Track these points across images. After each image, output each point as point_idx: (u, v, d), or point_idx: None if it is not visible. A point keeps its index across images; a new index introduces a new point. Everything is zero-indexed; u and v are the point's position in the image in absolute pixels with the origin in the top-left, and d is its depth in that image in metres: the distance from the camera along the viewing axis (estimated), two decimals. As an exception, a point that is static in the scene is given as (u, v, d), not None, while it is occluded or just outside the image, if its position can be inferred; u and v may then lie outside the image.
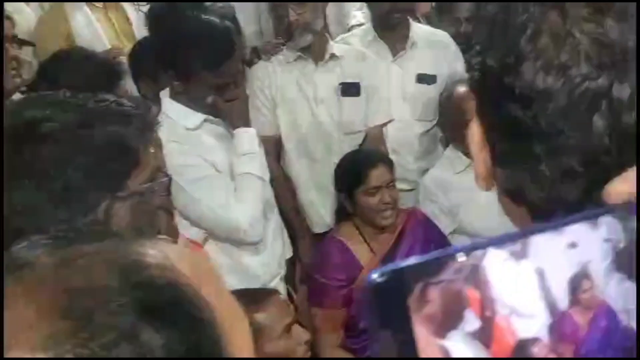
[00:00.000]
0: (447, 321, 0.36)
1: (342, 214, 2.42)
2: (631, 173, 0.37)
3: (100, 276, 0.47)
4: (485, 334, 0.37)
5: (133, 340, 0.44)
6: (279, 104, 2.61)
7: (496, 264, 0.37)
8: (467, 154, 2.59)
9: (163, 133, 1.83)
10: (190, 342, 0.46)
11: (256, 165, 2.05)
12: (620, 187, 0.36)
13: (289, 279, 2.33)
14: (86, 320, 0.43)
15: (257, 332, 1.71)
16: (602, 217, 0.36)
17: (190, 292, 0.48)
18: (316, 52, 2.62)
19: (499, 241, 0.37)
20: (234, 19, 2.03)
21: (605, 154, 0.54)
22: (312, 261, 2.42)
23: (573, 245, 0.37)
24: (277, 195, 2.31)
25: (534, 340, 0.37)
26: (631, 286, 0.37)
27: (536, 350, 0.37)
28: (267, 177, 2.13)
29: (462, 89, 2.64)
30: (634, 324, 0.36)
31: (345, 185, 2.35)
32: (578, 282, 0.37)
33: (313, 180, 2.63)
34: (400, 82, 2.78)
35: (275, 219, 2.21)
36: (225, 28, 1.95)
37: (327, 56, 2.62)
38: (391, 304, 0.35)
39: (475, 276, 0.37)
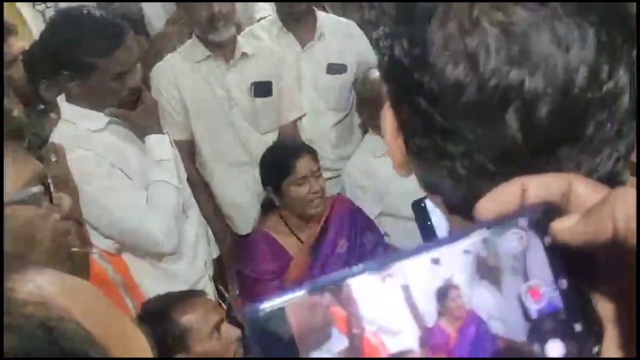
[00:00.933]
0: (314, 341, 0.36)
1: (266, 207, 2.39)
2: (499, 191, 0.37)
3: None
4: (354, 352, 0.37)
5: None
6: (189, 106, 2.53)
7: (360, 282, 0.37)
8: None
9: (65, 139, 1.80)
10: None
11: (169, 172, 1.98)
12: (489, 205, 0.37)
13: (219, 278, 2.29)
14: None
15: (186, 334, 1.68)
16: (464, 236, 0.38)
17: (71, 329, 0.43)
18: (227, 50, 2.54)
19: (365, 269, 0.37)
20: (139, 20, 1.99)
21: (519, 152, 0.53)
22: (240, 256, 2.37)
23: (436, 261, 0.38)
24: (197, 198, 2.26)
25: (406, 353, 0.37)
26: (496, 294, 0.38)
27: None
28: (183, 182, 2.08)
29: (375, 73, 2.66)
30: (501, 330, 0.37)
31: (271, 178, 2.32)
32: (445, 292, 0.38)
33: (236, 184, 2.57)
34: (311, 73, 2.77)
35: (196, 219, 2.16)
36: (113, 19, 1.93)
37: (237, 55, 2.55)
38: (275, 335, 0.36)
39: (339, 294, 0.37)
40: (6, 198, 1.01)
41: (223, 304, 2.28)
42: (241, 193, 2.57)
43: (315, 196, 2.27)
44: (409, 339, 0.37)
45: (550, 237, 0.36)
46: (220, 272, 2.37)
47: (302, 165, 2.28)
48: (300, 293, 0.36)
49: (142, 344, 0.51)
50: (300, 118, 2.68)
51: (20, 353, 0.40)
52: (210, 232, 2.30)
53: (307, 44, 2.78)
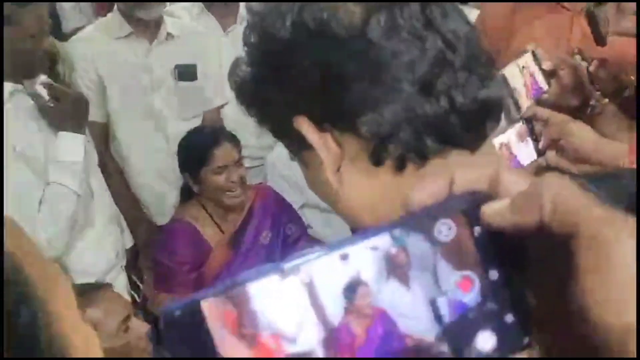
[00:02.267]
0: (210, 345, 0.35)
1: (186, 194, 2.27)
2: (428, 182, 0.36)
3: None
4: (247, 355, 0.35)
5: None
6: (107, 87, 2.35)
7: (257, 281, 0.36)
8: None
9: None
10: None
11: (72, 176, 1.81)
12: (418, 196, 0.36)
13: (133, 268, 2.16)
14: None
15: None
16: (379, 232, 0.37)
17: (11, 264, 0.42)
18: (151, 29, 2.38)
19: (272, 270, 0.36)
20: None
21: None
22: (157, 245, 2.23)
23: (344, 257, 0.36)
24: (109, 185, 2.11)
25: (307, 354, 0.36)
26: (404, 291, 0.37)
27: None
28: (94, 178, 1.94)
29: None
30: (410, 328, 0.37)
31: (189, 165, 2.19)
32: (353, 290, 0.37)
33: (153, 170, 2.42)
34: (232, 57, 2.66)
35: (107, 208, 2.02)
36: None
37: (163, 35, 2.39)
38: (190, 334, 0.35)
39: (231, 293, 0.35)
40: None
41: (137, 295, 2.15)
42: (158, 180, 2.43)
43: (234, 185, 2.17)
44: (310, 340, 0.36)
45: (479, 227, 0.36)
46: (134, 262, 2.24)
47: (222, 153, 2.17)
48: (207, 294, 0.35)
49: (63, 287, 0.49)
50: (223, 106, 2.56)
51: None
52: (124, 222, 2.16)
53: (229, 27, 2.67)
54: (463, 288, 0.37)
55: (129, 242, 2.16)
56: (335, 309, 0.36)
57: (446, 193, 0.36)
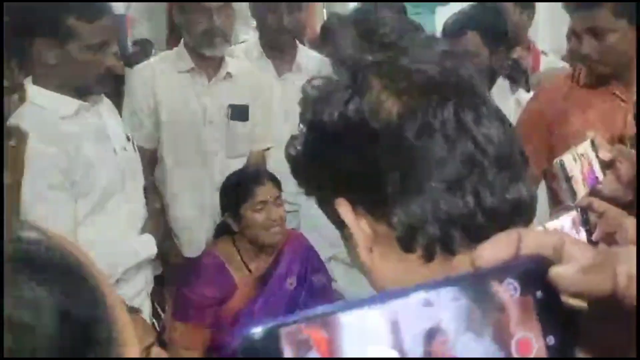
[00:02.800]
0: None
1: (220, 232, 2.30)
2: (497, 240, 0.38)
3: None
4: None
5: (16, 294, 0.41)
6: (162, 117, 2.43)
7: (351, 314, 0.38)
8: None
9: (31, 124, 1.70)
10: (75, 297, 0.44)
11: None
12: (485, 254, 0.38)
13: (156, 296, 2.18)
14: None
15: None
16: (459, 281, 0.38)
17: (68, 251, 0.47)
18: (213, 66, 2.46)
19: (359, 304, 0.38)
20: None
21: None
22: (184, 276, 2.26)
23: (428, 303, 0.38)
24: (150, 212, 2.15)
25: None
26: (479, 345, 0.38)
27: None
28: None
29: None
30: None
31: (230, 202, 2.25)
32: (433, 335, 0.38)
33: (192, 202, 2.47)
34: (284, 104, 2.72)
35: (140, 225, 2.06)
36: None
37: (222, 73, 2.47)
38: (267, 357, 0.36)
39: (327, 321, 0.37)
40: None
41: (157, 324, 2.17)
42: (194, 213, 2.48)
43: (274, 224, 2.20)
44: None
45: (541, 292, 0.37)
46: (160, 290, 2.26)
47: (263, 190, 2.22)
48: (292, 320, 0.36)
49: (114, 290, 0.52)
50: (268, 149, 2.61)
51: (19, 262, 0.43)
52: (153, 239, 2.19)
53: (284, 74, 2.74)
54: (522, 349, 0.38)
55: (157, 269, 2.18)
56: (414, 351, 0.37)
57: (512, 254, 0.37)
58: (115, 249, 1.90)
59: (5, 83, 1.95)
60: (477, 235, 0.61)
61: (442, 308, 0.38)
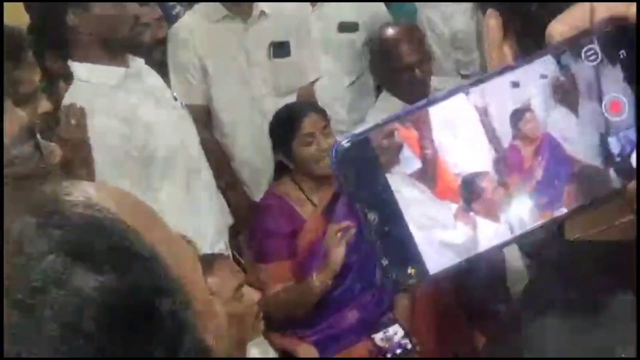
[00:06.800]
0: (387, 164, 0.37)
1: (279, 171, 2.34)
2: (569, 13, 0.38)
3: (11, 216, 0.41)
4: (427, 174, 0.38)
5: (63, 284, 0.38)
6: (210, 71, 2.46)
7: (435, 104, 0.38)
8: (402, 98, 2.56)
9: (84, 100, 1.75)
10: (130, 281, 0.41)
11: None
12: (560, 27, 0.37)
13: (233, 245, 2.25)
14: (11, 268, 0.38)
15: (208, 295, 1.64)
16: (540, 56, 0.38)
17: (121, 227, 0.43)
18: (245, 8, 2.46)
19: (445, 95, 0.38)
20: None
21: None
22: (253, 219, 2.33)
23: (515, 84, 0.38)
24: (211, 166, 2.20)
25: (480, 174, 0.38)
26: (572, 117, 0.38)
27: (484, 184, 0.38)
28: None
29: (390, 31, 2.58)
30: (575, 151, 0.38)
31: (280, 138, 2.28)
32: (520, 115, 0.38)
33: (252, 147, 2.52)
34: (322, 33, 2.69)
35: (210, 185, 2.11)
36: None
37: (256, 13, 2.47)
38: (362, 165, 0.37)
39: (412, 115, 0.38)
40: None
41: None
42: (255, 157, 2.53)
43: (325, 154, 2.21)
44: (483, 160, 0.38)
45: (625, 50, 0.37)
46: (235, 239, 2.32)
47: (309, 122, 2.23)
48: (378, 124, 0.38)
49: (188, 253, 0.51)
50: (315, 81, 2.60)
51: (73, 246, 0.40)
52: (223, 201, 2.24)
53: (317, 2, 2.69)
54: (613, 108, 0.38)
55: (229, 220, 2.24)
56: (504, 132, 0.38)
57: (587, 22, 0.37)
58: (193, 219, 1.96)
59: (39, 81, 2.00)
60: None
61: (530, 86, 0.38)
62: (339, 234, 2.09)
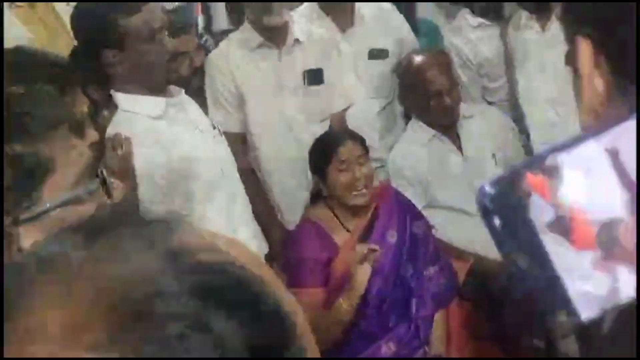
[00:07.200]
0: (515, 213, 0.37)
1: (315, 197, 2.35)
2: None
3: (147, 263, 0.40)
4: (561, 224, 0.37)
5: (204, 330, 0.38)
6: (246, 98, 2.49)
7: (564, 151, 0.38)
8: (431, 125, 2.58)
9: (129, 130, 1.77)
10: (266, 328, 0.40)
11: None
12: None
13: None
14: (146, 310, 0.37)
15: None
16: None
17: (250, 273, 0.43)
18: (280, 36, 2.50)
19: (575, 142, 0.38)
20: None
21: None
22: (287, 247, 2.34)
23: None
24: (248, 194, 2.22)
25: (616, 221, 0.37)
26: None
27: (620, 231, 0.36)
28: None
29: (419, 58, 2.61)
30: None
31: (317, 164, 2.30)
32: None
33: (287, 174, 2.54)
34: (352, 60, 2.72)
35: (245, 213, 2.12)
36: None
37: (290, 41, 2.51)
38: (507, 210, 0.37)
39: (541, 163, 0.37)
40: (51, 201, 0.94)
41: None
42: (291, 184, 2.56)
43: (360, 183, 2.22)
44: (618, 206, 0.37)
45: None
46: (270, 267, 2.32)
47: (345, 149, 2.25)
48: (511, 171, 0.38)
49: (291, 298, 0.50)
50: (347, 108, 2.63)
51: (210, 291, 0.39)
52: (259, 230, 2.26)
53: (347, 29, 2.73)
54: None
55: (264, 249, 2.25)
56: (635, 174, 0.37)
57: None
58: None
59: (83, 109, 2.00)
60: None
61: None
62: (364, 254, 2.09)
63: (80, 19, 1.94)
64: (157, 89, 1.94)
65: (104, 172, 1.09)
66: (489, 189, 0.38)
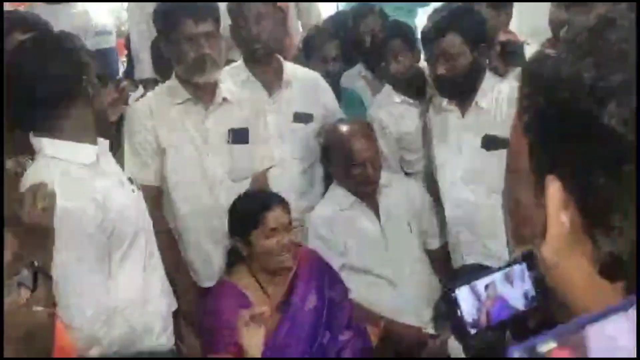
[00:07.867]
0: None
1: (233, 258, 2.29)
2: None
3: None
4: None
5: None
6: (166, 151, 2.43)
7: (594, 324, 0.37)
8: (352, 191, 2.60)
9: (54, 181, 1.62)
10: None
11: None
12: None
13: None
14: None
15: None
16: None
17: None
18: (208, 94, 2.48)
19: (602, 315, 0.38)
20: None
21: None
22: (203, 308, 2.25)
23: None
24: (160, 249, 2.12)
25: None
26: None
27: None
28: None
29: (344, 127, 2.65)
30: None
31: (240, 228, 2.25)
32: None
33: (203, 231, 2.48)
34: (277, 121, 2.73)
35: (159, 272, 2.03)
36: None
37: (218, 99, 2.49)
38: None
39: (570, 335, 0.37)
40: None
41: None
42: (206, 242, 2.49)
43: (284, 249, 2.19)
44: None
45: None
46: (176, 323, 2.23)
47: (274, 217, 2.22)
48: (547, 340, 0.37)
49: None
50: (269, 168, 2.62)
51: None
52: (168, 284, 2.17)
53: (275, 92, 2.75)
54: None
55: (173, 305, 2.15)
56: None
57: None
58: (145, 310, 1.89)
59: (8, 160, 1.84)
60: None
61: None
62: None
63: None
64: (86, 135, 1.81)
65: (35, 264, 1.03)
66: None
